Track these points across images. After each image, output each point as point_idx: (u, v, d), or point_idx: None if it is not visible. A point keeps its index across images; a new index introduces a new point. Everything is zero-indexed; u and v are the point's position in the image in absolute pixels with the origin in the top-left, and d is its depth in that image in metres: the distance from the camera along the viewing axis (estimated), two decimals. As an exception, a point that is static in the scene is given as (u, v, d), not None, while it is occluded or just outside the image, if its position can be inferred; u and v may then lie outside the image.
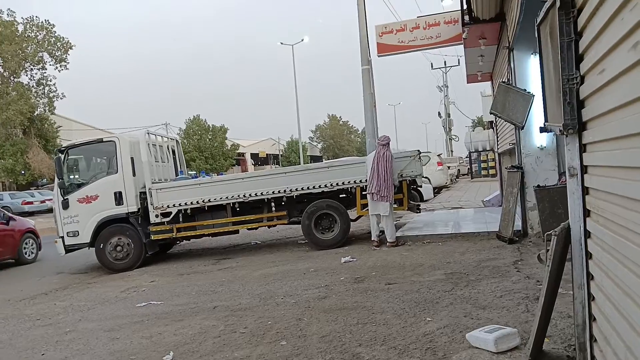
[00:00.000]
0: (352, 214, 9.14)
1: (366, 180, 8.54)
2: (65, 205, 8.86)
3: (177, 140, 11.25)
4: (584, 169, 2.60)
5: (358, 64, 12.41)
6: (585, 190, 2.60)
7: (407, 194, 8.86)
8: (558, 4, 2.48)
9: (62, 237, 8.91)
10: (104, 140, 9.28)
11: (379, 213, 8.20)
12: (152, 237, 8.92)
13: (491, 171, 26.14)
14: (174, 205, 8.85)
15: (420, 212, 10.33)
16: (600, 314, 2.39)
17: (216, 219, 8.98)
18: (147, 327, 5.00)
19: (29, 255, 11.20)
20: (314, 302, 5.13)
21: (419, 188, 11.97)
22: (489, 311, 4.16)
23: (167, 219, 8.89)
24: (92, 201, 8.86)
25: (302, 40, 42.34)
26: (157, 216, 8.88)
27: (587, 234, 2.59)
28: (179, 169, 10.65)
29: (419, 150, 9.15)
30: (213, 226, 9.04)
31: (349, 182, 8.73)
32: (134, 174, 8.93)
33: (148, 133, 9.55)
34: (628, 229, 1.87)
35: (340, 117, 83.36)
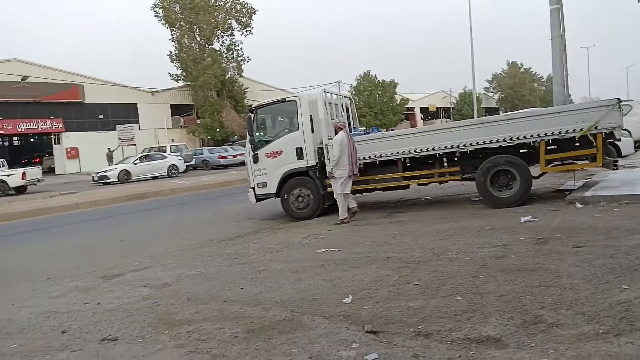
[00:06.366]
0: (534, 170, 8.45)
1: (545, 134, 7.84)
2: (256, 159, 9.89)
3: (350, 98, 11.59)
4: None
5: (543, 5, 11.14)
6: None
7: (602, 148, 7.83)
8: None
9: (253, 188, 10.02)
10: (287, 100, 10.05)
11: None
12: (329, 189, 9.50)
13: None
14: (348, 160, 9.23)
15: (617, 169, 9.07)
16: None
17: (387, 174, 9.16)
18: (328, 271, 5.43)
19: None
20: (490, 260, 4.98)
21: (616, 142, 10.50)
22: None
23: (342, 173, 9.33)
24: (278, 156, 9.73)
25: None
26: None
27: None
28: (352, 126, 11.01)
29: (619, 99, 7.93)
30: (384, 180, 9.25)
31: (531, 135, 8.05)
32: (312, 131, 9.51)
33: (325, 92, 10.02)
34: None
35: (521, 64, 76.23)
